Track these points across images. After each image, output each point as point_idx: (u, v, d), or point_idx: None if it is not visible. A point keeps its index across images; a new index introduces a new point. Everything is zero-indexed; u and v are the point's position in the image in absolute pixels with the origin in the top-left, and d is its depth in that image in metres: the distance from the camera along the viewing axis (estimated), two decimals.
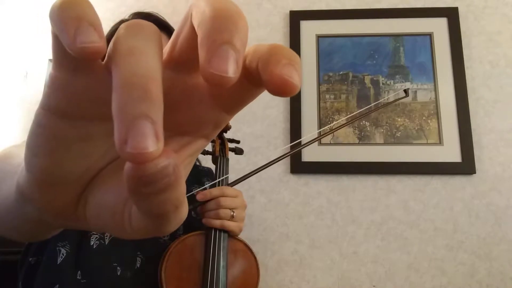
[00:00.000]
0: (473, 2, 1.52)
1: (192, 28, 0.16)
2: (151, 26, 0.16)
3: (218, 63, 0.14)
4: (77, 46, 0.14)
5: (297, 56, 0.16)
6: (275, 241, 1.37)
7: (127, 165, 0.14)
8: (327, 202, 1.39)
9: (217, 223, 0.74)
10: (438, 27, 1.49)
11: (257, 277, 0.78)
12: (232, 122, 1.47)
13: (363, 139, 1.42)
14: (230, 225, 0.75)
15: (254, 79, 0.17)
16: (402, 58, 1.49)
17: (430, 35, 1.49)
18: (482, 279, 1.29)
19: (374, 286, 1.31)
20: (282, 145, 1.45)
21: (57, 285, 0.66)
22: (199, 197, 0.74)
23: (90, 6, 0.16)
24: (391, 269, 1.32)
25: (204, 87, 0.19)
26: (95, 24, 0.15)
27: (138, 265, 0.70)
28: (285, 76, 0.15)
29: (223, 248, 0.73)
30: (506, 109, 1.42)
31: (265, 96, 1.50)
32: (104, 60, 0.17)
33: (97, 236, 0.70)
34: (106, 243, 0.70)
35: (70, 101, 0.17)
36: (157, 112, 0.14)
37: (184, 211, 0.18)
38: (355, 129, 1.44)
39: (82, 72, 0.17)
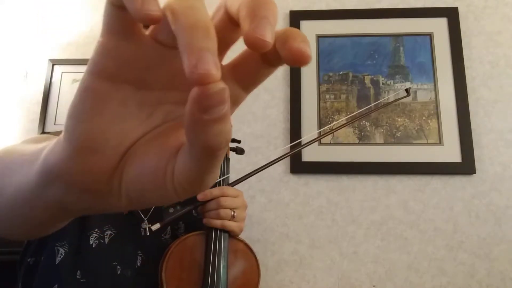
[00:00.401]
0: (473, 2, 1.52)
1: (226, 14, 0.20)
2: None
3: (261, 30, 0.18)
4: (143, 13, 0.17)
5: (306, 36, 0.20)
6: (275, 241, 1.37)
7: (194, 90, 0.17)
8: (327, 202, 1.39)
9: (217, 223, 0.74)
10: (438, 27, 1.49)
11: (257, 277, 0.78)
12: (232, 122, 1.47)
13: (363, 139, 1.42)
14: (231, 225, 0.75)
15: (269, 59, 0.21)
16: (402, 58, 1.49)
17: (430, 35, 1.49)
18: (482, 279, 1.29)
19: (374, 286, 1.31)
20: (282, 145, 1.45)
21: (56, 285, 0.65)
22: (200, 197, 0.74)
23: None
24: (391, 269, 1.32)
25: (226, 68, 0.22)
26: None
27: (138, 264, 0.70)
28: (302, 49, 0.19)
29: (223, 248, 0.73)
30: (506, 109, 1.42)
31: (265, 96, 1.50)
32: (154, 27, 0.20)
33: (96, 235, 0.69)
34: (106, 242, 0.70)
35: (116, 64, 0.20)
36: (216, 48, 0.17)
37: (218, 169, 0.21)
38: (355, 129, 1.44)
39: (129, 38, 0.20)
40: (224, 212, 0.74)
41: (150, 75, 0.21)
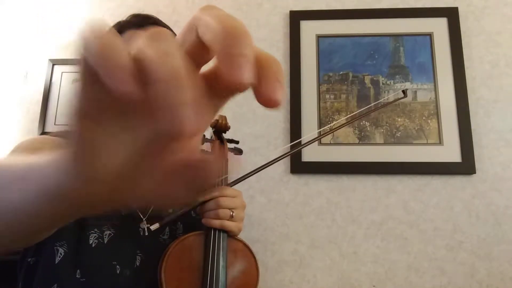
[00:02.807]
0: (473, 2, 1.52)
1: (198, 38, 0.19)
2: (168, 32, 0.19)
3: (238, 72, 0.17)
4: (120, 92, 0.17)
5: (281, 67, 0.20)
6: (275, 241, 1.37)
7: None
8: (327, 202, 1.39)
9: (216, 223, 0.74)
10: (438, 27, 1.49)
11: (256, 277, 0.78)
12: (232, 122, 1.47)
13: (363, 139, 1.42)
14: (230, 225, 0.75)
15: None
16: (402, 58, 1.49)
17: (430, 35, 1.49)
18: (482, 279, 1.29)
19: (374, 286, 1.31)
20: (282, 145, 1.45)
21: (56, 284, 0.66)
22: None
23: (121, 44, 0.18)
24: (391, 269, 1.32)
25: (203, 77, 0.22)
26: (129, 68, 0.18)
27: (137, 264, 0.70)
28: (272, 96, 0.18)
29: (222, 248, 0.73)
30: (506, 109, 1.42)
31: None
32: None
33: (95, 235, 0.70)
34: (105, 242, 0.70)
35: (98, 109, 0.20)
36: (195, 96, 0.17)
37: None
38: (355, 129, 1.44)
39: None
40: (222, 212, 0.74)
41: (136, 108, 0.21)
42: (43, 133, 1.54)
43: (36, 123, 1.56)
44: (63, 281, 0.66)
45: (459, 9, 1.49)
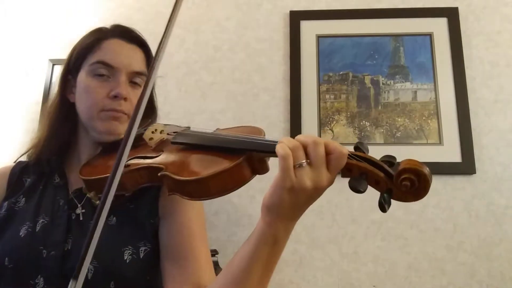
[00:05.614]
0: (473, 2, 1.52)
1: None
2: None
3: None
4: None
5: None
6: None
7: None
8: (327, 202, 1.39)
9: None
10: (438, 27, 1.49)
11: None
12: (232, 122, 1.47)
13: (363, 139, 1.42)
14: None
15: None
16: (402, 58, 1.49)
17: (430, 35, 1.49)
18: (482, 279, 1.29)
19: (374, 286, 1.31)
20: None
21: None
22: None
23: None
24: (391, 269, 1.32)
25: None
26: None
27: (69, 247, 0.72)
28: None
29: None
30: (506, 109, 1.42)
31: (265, 96, 1.50)
32: None
33: (26, 227, 0.73)
34: (37, 230, 0.73)
35: None
36: None
37: None
38: (355, 129, 1.44)
39: None
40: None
41: None
42: None
43: (36, 123, 1.56)
44: None
45: (459, 9, 1.49)
